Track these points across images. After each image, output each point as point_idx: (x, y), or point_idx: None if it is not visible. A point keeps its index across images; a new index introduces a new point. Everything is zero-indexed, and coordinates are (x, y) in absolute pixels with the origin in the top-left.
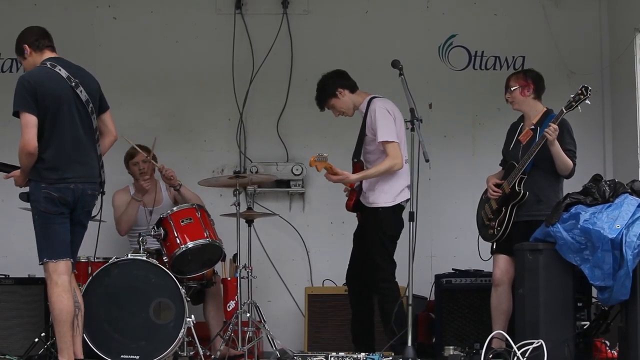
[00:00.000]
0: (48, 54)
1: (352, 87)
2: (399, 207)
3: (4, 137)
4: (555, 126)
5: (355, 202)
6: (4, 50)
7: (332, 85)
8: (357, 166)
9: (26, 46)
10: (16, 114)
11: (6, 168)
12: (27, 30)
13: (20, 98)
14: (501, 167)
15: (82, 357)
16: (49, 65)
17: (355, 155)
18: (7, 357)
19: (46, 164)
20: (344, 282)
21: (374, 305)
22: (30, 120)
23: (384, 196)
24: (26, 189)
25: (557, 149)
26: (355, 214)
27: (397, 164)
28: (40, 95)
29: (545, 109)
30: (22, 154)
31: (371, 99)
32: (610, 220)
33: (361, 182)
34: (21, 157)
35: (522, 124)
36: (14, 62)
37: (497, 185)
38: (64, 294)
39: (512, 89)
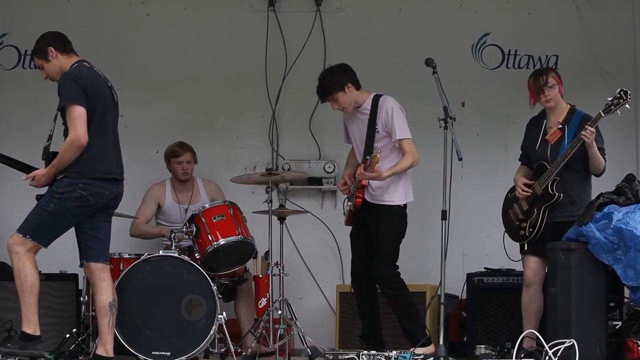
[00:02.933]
0: (76, 57)
1: (358, 84)
2: (406, 207)
3: (31, 134)
4: (593, 129)
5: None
6: (29, 46)
7: (342, 79)
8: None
9: (52, 49)
10: (62, 109)
11: (25, 168)
12: (50, 34)
13: (71, 92)
14: (520, 162)
15: (112, 354)
16: (87, 66)
17: (366, 152)
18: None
19: (91, 159)
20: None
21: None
22: (82, 114)
23: (397, 194)
24: (43, 191)
25: (594, 150)
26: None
27: (417, 160)
28: (91, 92)
29: (569, 106)
30: (71, 147)
31: (377, 96)
32: None
33: (363, 182)
34: (68, 150)
35: (544, 120)
36: None
37: (527, 186)
38: (35, 269)
39: (552, 86)
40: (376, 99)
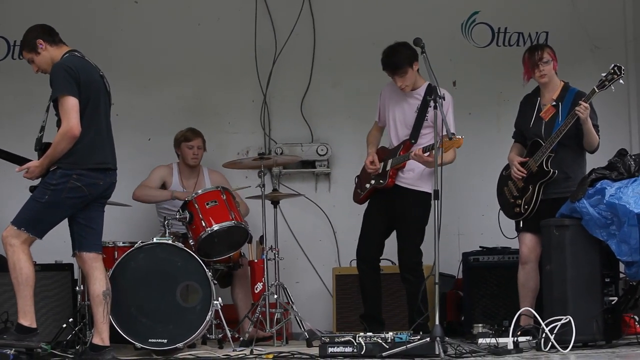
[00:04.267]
0: (66, 48)
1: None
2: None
3: (23, 126)
4: (587, 104)
5: None
6: (19, 37)
7: (413, 55)
8: (409, 146)
9: (41, 41)
10: (55, 100)
11: (17, 160)
12: (37, 27)
13: (64, 82)
14: (514, 140)
15: (108, 343)
16: (79, 55)
17: (412, 136)
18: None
19: (84, 150)
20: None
21: None
22: (75, 104)
23: (427, 182)
24: (36, 182)
25: (589, 126)
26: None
27: (455, 158)
28: (84, 82)
29: (562, 83)
30: (64, 138)
31: (432, 85)
32: (636, 194)
33: (404, 163)
34: (62, 141)
35: (538, 98)
36: None
37: (522, 164)
38: (30, 260)
39: (547, 61)
40: (430, 89)
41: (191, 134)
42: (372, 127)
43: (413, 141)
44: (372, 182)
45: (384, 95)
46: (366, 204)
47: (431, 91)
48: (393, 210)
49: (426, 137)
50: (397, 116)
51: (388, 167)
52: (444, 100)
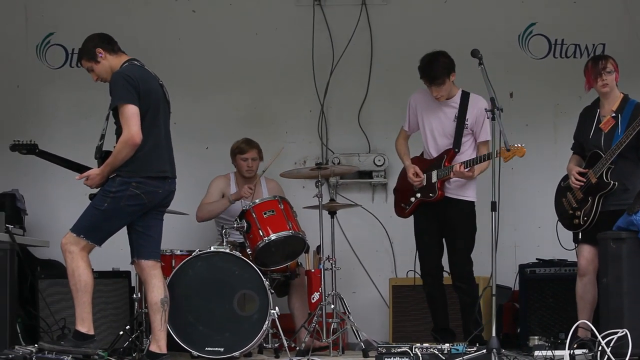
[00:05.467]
0: (125, 56)
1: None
2: None
3: (81, 133)
4: None
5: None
6: (77, 45)
7: (451, 66)
8: (453, 155)
9: (101, 50)
10: (115, 109)
11: (77, 167)
12: (96, 36)
13: (123, 91)
14: (572, 151)
15: (166, 350)
16: (138, 64)
17: (455, 145)
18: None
19: (144, 158)
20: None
21: None
22: (136, 112)
23: (473, 191)
24: (95, 190)
25: None
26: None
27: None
28: (144, 91)
29: (622, 95)
30: (126, 145)
31: (466, 92)
32: None
33: (446, 178)
34: (123, 149)
35: (597, 109)
36: None
37: (581, 175)
38: (89, 268)
39: (610, 71)
40: (465, 95)
41: (245, 145)
42: (399, 136)
43: (457, 150)
44: (418, 195)
45: (415, 103)
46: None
47: (467, 98)
48: (443, 221)
49: (466, 145)
50: (435, 126)
51: (434, 179)
52: (502, 111)
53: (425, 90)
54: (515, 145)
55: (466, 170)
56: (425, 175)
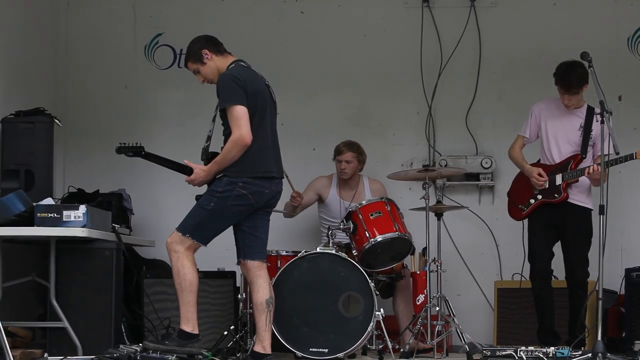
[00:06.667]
0: (231, 58)
1: None
2: None
3: (188, 134)
4: None
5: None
6: (184, 45)
7: (587, 76)
8: (580, 160)
9: (207, 51)
10: (223, 110)
11: (184, 169)
12: (202, 37)
13: (231, 92)
14: None
15: (270, 351)
16: (244, 65)
17: (583, 151)
18: (202, 351)
19: (251, 158)
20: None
21: None
22: (245, 112)
23: (592, 200)
24: (201, 191)
25: None
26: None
27: None
28: (251, 92)
29: None
30: (236, 145)
31: (592, 107)
32: None
33: (577, 178)
34: (233, 149)
35: None
36: None
37: None
38: (194, 267)
39: None
40: (591, 109)
41: (342, 147)
42: (515, 144)
43: (584, 156)
44: (540, 196)
45: (539, 111)
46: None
47: (592, 112)
48: (562, 225)
49: (589, 154)
50: (559, 133)
51: (559, 182)
52: (612, 114)
53: (550, 99)
54: None
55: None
56: (548, 178)
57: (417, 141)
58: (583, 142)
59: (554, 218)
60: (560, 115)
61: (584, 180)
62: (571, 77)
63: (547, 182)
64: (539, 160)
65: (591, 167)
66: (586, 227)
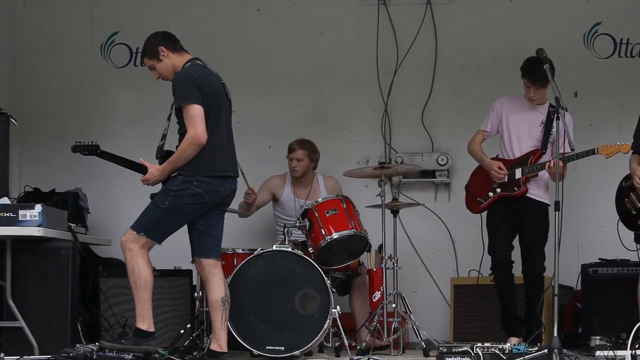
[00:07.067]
0: (187, 55)
1: None
2: None
3: (143, 132)
4: None
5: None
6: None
7: (553, 73)
8: (540, 155)
9: (163, 48)
10: (178, 109)
11: (140, 168)
12: (159, 34)
13: (187, 91)
14: (632, 151)
15: (226, 349)
16: (200, 64)
17: (543, 147)
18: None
19: (206, 157)
20: (490, 272)
21: None
22: (200, 112)
23: (549, 195)
24: (156, 190)
25: None
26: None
27: None
28: (207, 90)
29: None
30: (191, 145)
31: (554, 105)
32: None
33: (536, 172)
34: (188, 148)
35: None
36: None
37: None
38: (149, 265)
39: None
40: (553, 107)
41: (294, 144)
42: (475, 138)
43: (544, 151)
44: (499, 190)
45: (501, 106)
46: (482, 213)
47: (554, 109)
48: (520, 219)
49: (549, 150)
50: (521, 128)
51: (519, 176)
52: (567, 111)
53: (512, 96)
54: (618, 143)
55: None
56: (507, 172)
57: (373, 138)
58: (544, 138)
59: (512, 212)
60: (523, 110)
61: (542, 175)
62: (538, 71)
63: (507, 175)
64: (497, 156)
65: (551, 162)
66: (543, 222)
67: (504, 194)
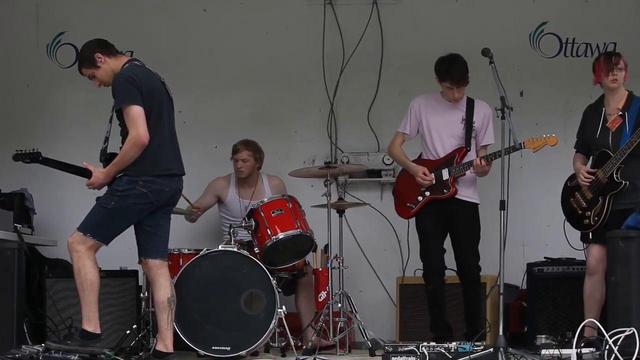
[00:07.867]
0: (124, 58)
1: None
2: None
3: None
4: None
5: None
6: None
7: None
8: (465, 153)
9: (100, 54)
10: (119, 110)
11: (83, 172)
12: (93, 42)
13: (126, 92)
14: (576, 150)
15: (172, 350)
16: (139, 64)
17: (467, 144)
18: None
19: (150, 157)
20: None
21: None
22: (141, 112)
23: (477, 194)
24: (102, 193)
25: None
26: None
27: None
28: (147, 90)
29: (627, 92)
30: (134, 146)
31: (470, 98)
32: None
33: (464, 172)
34: (130, 149)
35: (603, 108)
36: None
37: (591, 174)
38: (96, 267)
39: (621, 68)
40: (471, 101)
41: (239, 145)
42: (395, 141)
43: (468, 148)
44: (427, 193)
45: (418, 107)
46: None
47: (473, 104)
48: (451, 221)
49: (472, 146)
50: (442, 127)
51: (446, 177)
52: (512, 110)
53: (428, 94)
54: (544, 136)
55: (486, 164)
56: (433, 174)
57: (319, 138)
58: (466, 135)
59: (442, 213)
60: (442, 109)
61: (469, 173)
62: (459, 70)
63: (434, 178)
64: (420, 155)
65: (475, 161)
66: (475, 221)
67: (433, 197)
